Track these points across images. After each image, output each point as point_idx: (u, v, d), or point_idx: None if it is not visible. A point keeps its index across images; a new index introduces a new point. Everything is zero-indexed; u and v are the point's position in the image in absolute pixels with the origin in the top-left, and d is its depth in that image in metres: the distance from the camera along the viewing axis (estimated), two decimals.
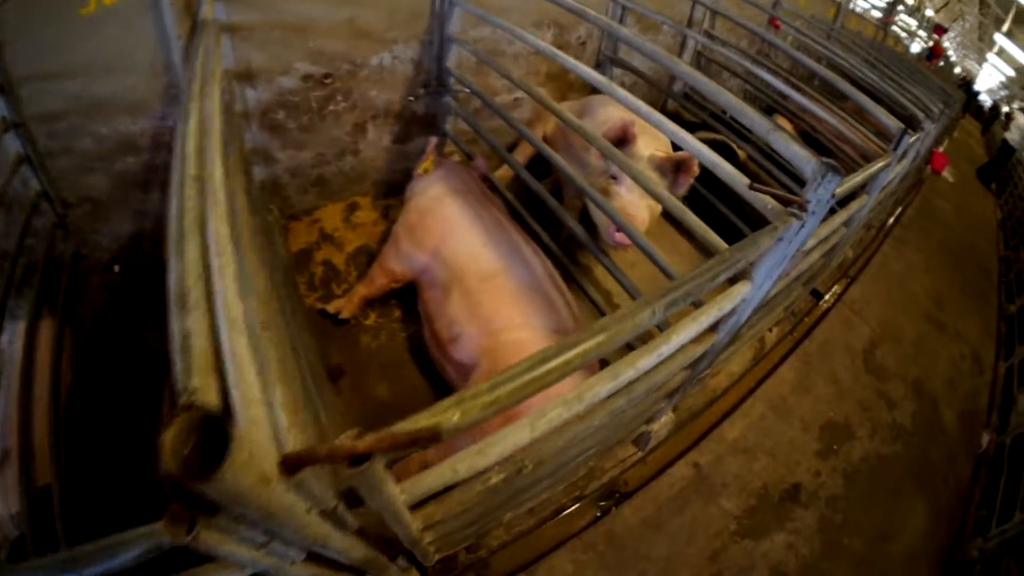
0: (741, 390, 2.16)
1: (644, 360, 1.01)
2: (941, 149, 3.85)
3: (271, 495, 0.46)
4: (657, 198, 1.67)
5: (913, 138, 2.18)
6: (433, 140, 2.34)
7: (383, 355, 1.98)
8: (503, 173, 2.70)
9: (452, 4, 2.21)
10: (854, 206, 1.91)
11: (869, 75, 2.92)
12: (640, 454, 1.86)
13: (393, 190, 2.59)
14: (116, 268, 1.94)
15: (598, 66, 3.05)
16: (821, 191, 1.05)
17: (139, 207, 1.88)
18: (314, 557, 0.69)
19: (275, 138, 2.03)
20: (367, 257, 2.28)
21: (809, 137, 3.40)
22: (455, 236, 1.90)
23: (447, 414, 0.62)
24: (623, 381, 1.00)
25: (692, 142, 1.42)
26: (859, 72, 2.90)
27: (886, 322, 2.85)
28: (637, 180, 1.75)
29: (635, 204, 1.92)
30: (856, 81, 2.88)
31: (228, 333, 0.55)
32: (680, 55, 3.45)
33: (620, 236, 1.83)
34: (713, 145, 2.87)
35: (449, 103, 2.50)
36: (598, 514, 1.73)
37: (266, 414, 0.52)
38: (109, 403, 1.58)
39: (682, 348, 1.21)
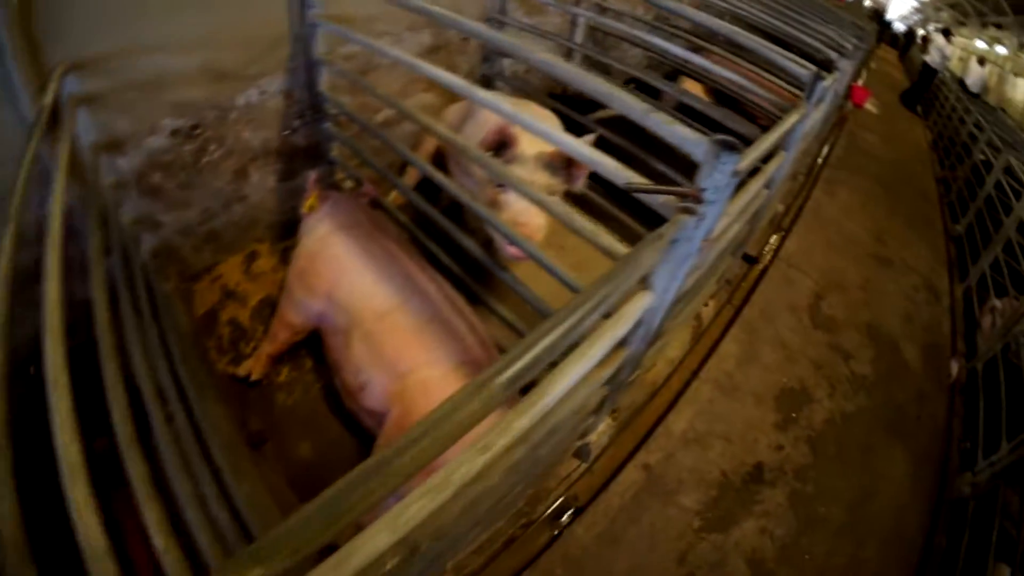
0: (683, 375, 2.03)
1: (521, 421, 0.80)
2: (861, 83, 3.80)
3: None
4: (541, 204, 1.51)
5: (828, 80, 2.08)
6: (312, 175, 2.16)
7: (300, 411, 1.84)
8: (427, 149, 2.55)
9: (313, 25, 2.04)
10: (772, 166, 1.78)
11: (775, 23, 2.84)
12: (585, 466, 1.71)
13: (290, 231, 2.40)
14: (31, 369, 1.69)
15: (485, 60, 2.91)
16: (717, 175, 0.90)
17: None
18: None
19: (157, 201, 1.91)
20: (271, 308, 2.10)
21: (723, 96, 3.31)
22: (346, 276, 1.77)
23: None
24: (498, 452, 0.82)
25: (563, 139, 1.29)
26: (765, 21, 2.82)
27: (828, 270, 2.75)
28: (518, 188, 1.61)
29: (526, 212, 1.76)
30: (766, 31, 2.81)
31: None
32: (572, 33, 3.32)
33: (514, 249, 1.68)
34: (614, 122, 2.75)
35: (329, 129, 2.33)
36: (555, 533, 1.59)
37: None
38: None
39: (585, 379, 1.08)
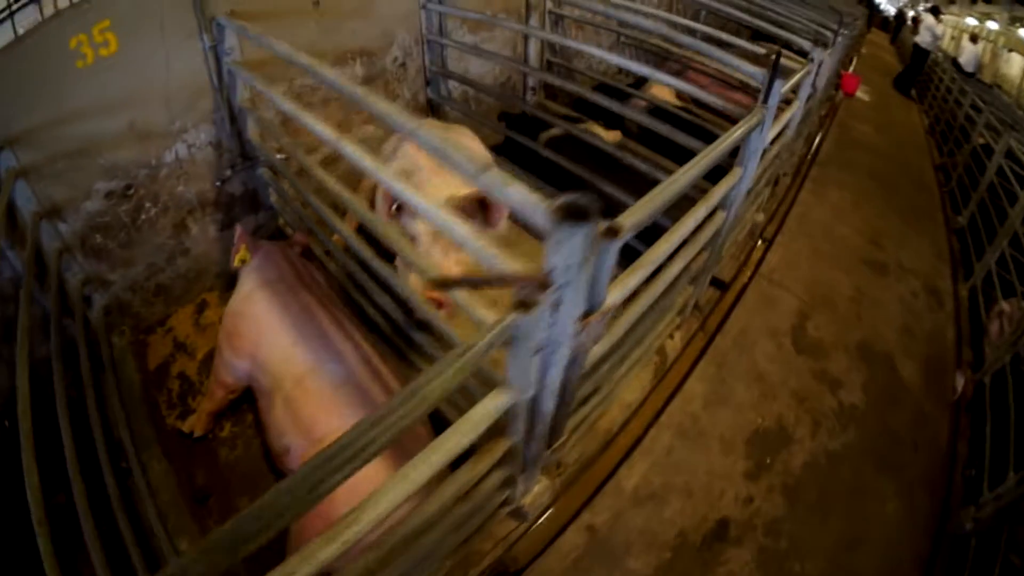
0: (641, 422, 1.85)
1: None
2: (851, 70, 3.55)
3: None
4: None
5: (793, 80, 1.90)
6: (238, 228, 2.06)
7: (241, 467, 1.81)
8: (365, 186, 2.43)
9: (231, 74, 1.97)
10: (723, 186, 1.59)
11: (746, 16, 2.66)
12: (524, 526, 1.55)
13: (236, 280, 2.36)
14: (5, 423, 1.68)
15: (428, 84, 2.77)
16: (567, 252, 0.74)
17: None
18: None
19: (102, 262, 1.96)
20: None
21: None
22: (266, 338, 1.70)
23: None
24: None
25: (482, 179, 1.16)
26: (738, 16, 2.65)
27: (815, 284, 2.53)
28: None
29: (434, 269, 1.61)
30: (743, 25, 2.64)
31: None
32: (526, 49, 3.17)
33: (436, 294, 1.56)
34: (561, 141, 2.57)
35: (263, 175, 2.25)
36: None
37: None
38: None
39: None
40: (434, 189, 1.66)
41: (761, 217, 2.81)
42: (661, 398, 1.95)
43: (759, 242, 2.73)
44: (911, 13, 8.56)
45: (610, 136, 3.11)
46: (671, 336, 2.16)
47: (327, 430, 1.46)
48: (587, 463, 1.72)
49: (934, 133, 4.27)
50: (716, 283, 2.30)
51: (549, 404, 1.02)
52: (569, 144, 2.59)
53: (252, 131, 2.10)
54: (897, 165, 3.73)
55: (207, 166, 2.11)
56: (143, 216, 1.99)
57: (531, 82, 3.41)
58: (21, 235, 1.66)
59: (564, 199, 0.72)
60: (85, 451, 1.44)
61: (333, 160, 2.52)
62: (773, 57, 1.52)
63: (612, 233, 0.80)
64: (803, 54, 2.55)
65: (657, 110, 2.87)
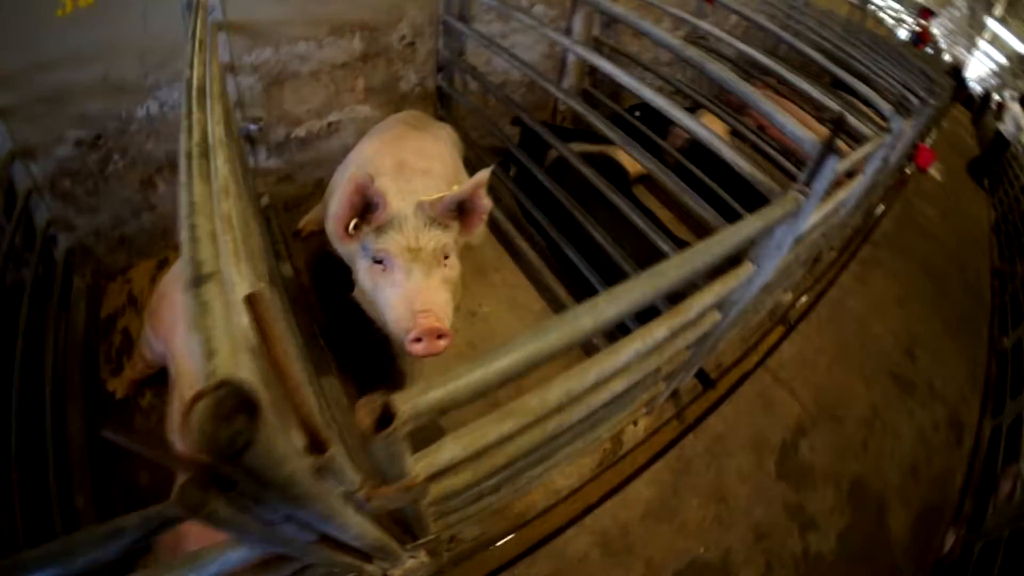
0: (561, 517, 1.59)
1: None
2: (928, 143, 3.12)
3: (297, 476, 0.44)
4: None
5: (845, 160, 1.57)
6: None
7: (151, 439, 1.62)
8: (313, 216, 2.19)
9: (216, 32, 1.79)
10: (710, 294, 1.27)
11: (826, 63, 2.30)
12: None
13: None
14: None
15: (440, 70, 2.45)
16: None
17: None
18: (324, 539, 0.63)
19: (68, 206, 2.00)
20: None
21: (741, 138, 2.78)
22: (180, 327, 1.55)
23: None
24: None
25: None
26: (819, 59, 2.29)
27: (828, 391, 2.20)
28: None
29: (421, 294, 1.37)
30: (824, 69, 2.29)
31: None
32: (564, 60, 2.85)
33: (420, 347, 1.32)
34: (593, 159, 2.28)
35: (239, 143, 2.03)
36: None
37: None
38: None
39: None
40: (399, 199, 1.43)
41: (788, 297, 2.46)
42: (596, 494, 1.67)
43: (778, 326, 2.40)
44: (997, 97, 7.87)
45: (635, 168, 2.78)
46: (634, 422, 1.89)
47: None
48: (486, 544, 1.49)
49: (999, 232, 3.80)
50: (701, 376, 1.99)
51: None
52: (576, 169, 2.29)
53: (231, 95, 1.93)
54: (954, 262, 3.29)
55: (179, 127, 1.93)
56: (111, 167, 1.98)
57: (565, 83, 3.07)
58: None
59: None
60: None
61: (323, 135, 2.28)
62: (830, 126, 1.19)
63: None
64: (881, 117, 2.22)
65: (698, 146, 2.55)
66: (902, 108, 2.39)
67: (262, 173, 2.23)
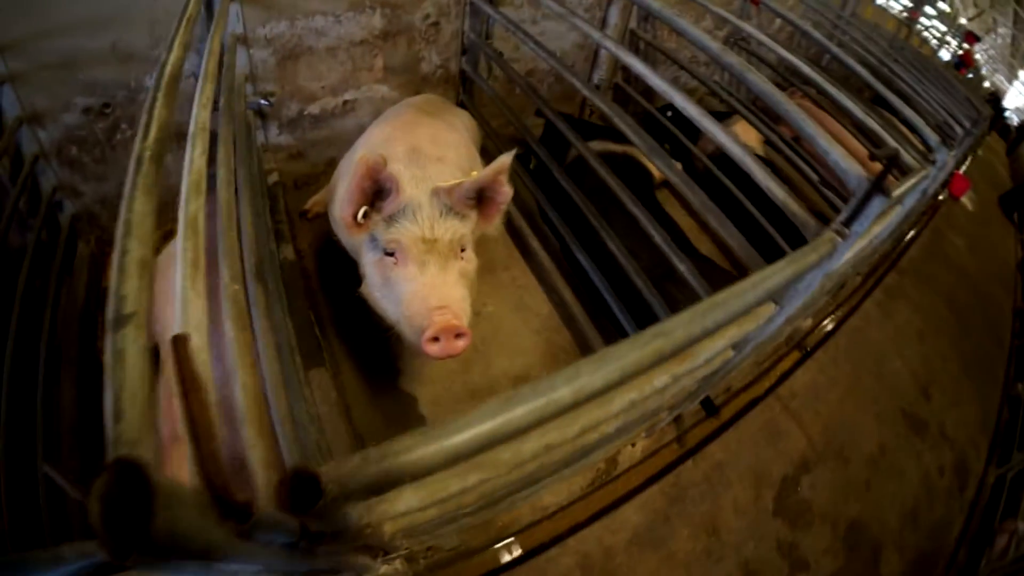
0: (544, 534, 1.54)
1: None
2: (962, 171, 2.97)
3: (215, 544, 0.40)
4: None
5: (908, 184, 1.46)
6: None
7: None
8: (321, 198, 2.12)
9: (228, 2, 1.73)
10: (725, 336, 1.18)
11: (871, 79, 2.18)
12: None
13: None
14: None
15: (464, 53, 2.35)
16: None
17: None
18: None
19: (75, 173, 2.00)
20: None
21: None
22: (169, 309, 1.48)
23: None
24: None
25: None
26: (864, 73, 2.17)
27: (837, 427, 2.12)
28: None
29: (437, 289, 1.28)
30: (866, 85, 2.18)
31: None
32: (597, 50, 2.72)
33: (437, 347, 1.24)
34: (616, 159, 2.17)
35: (248, 120, 1.96)
36: None
37: None
38: None
39: None
40: (413, 185, 1.34)
41: (808, 323, 2.38)
42: (584, 514, 1.61)
43: (794, 351, 2.32)
44: None
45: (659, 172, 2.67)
46: (632, 443, 1.82)
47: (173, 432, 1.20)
48: (465, 554, 1.44)
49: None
50: (706, 403, 1.92)
51: None
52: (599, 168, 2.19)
53: (240, 69, 1.85)
54: (978, 298, 3.17)
55: (187, 98, 1.89)
56: (118, 136, 1.97)
57: (596, 76, 2.95)
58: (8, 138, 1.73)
59: None
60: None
61: (338, 113, 2.20)
62: (884, 163, 1.08)
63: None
64: (924, 144, 2.11)
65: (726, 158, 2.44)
66: (945, 136, 2.28)
67: (272, 149, 2.17)
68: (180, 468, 1.41)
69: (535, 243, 2.26)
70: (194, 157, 1.01)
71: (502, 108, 2.31)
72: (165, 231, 2.21)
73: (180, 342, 0.54)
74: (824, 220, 1.15)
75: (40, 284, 1.80)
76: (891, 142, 2.15)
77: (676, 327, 0.79)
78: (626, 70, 2.98)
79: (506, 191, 1.35)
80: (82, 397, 1.70)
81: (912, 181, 1.58)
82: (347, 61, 2.07)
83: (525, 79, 2.41)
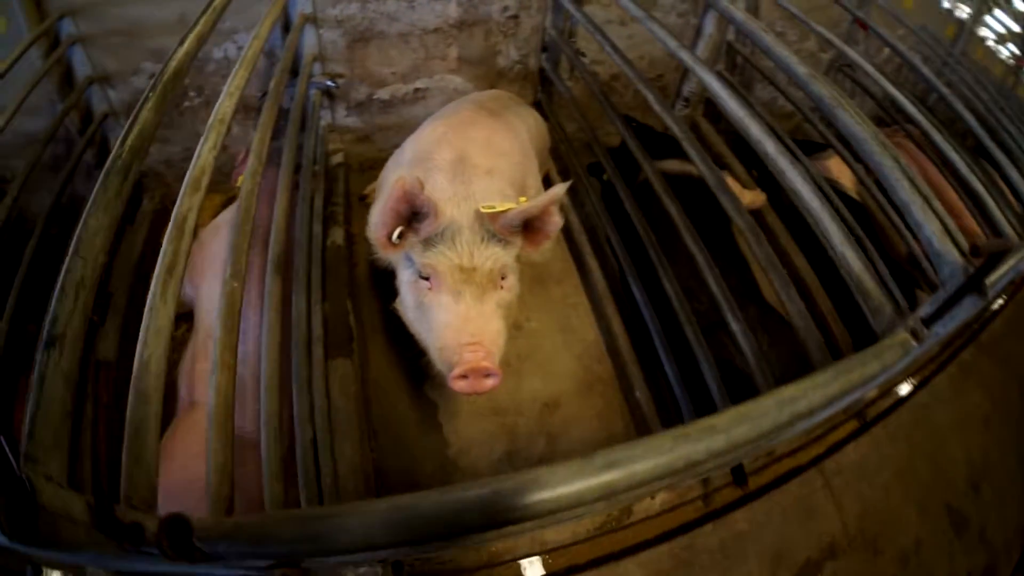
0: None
1: None
2: None
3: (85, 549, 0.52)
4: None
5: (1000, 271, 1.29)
6: (242, 151, 1.82)
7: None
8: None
9: None
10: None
11: (975, 125, 1.98)
12: None
13: None
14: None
15: (545, 50, 2.22)
16: None
17: None
18: None
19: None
20: None
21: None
22: (208, 279, 1.56)
23: None
24: None
25: None
26: (969, 118, 1.97)
27: (877, 513, 1.95)
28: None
29: (471, 323, 1.21)
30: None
31: None
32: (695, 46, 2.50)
33: (464, 384, 1.19)
34: (694, 183, 1.99)
35: (313, 98, 1.94)
36: None
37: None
38: None
39: None
40: (454, 208, 1.26)
41: (872, 393, 2.19)
42: (584, 557, 1.53)
43: (852, 420, 2.14)
44: None
45: (749, 197, 2.46)
46: (651, 495, 1.73)
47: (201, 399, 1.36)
48: (452, 571, 1.39)
49: None
50: (737, 472, 1.80)
51: None
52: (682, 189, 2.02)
53: (311, 47, 1.80)
54: None
55: (255, 71, 1.90)
56: (186, 103, 2.05)
57: (687, 88, 2.77)
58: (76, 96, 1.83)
59: None
60: None
61: (409, 100, 2.13)
62: (983, 255, 0.92)
63: None
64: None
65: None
66: None
67: (339, 130, 2.17)
68: (187, 433, 1.43)
69: (593, 262, 2.13)
70: (203, 151, 0.97)
71: (575, 113, 2.18)
72: (228, 196, 2.26)
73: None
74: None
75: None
76: (1000, 219, 1.93)
77: (713, 435, 0.72)
78: (721, 81, 2.78)
79: (555, 221, 1.26)
80: (123, 344, 1.74)
81: (1011, 261, 1.39)
82: (419, 48, 2.03)
83: (600, 84, 2.27)
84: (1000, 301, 3.01)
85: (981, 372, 2.62)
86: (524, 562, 1.46)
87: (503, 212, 1.21)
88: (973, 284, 0.89)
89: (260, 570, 0.67)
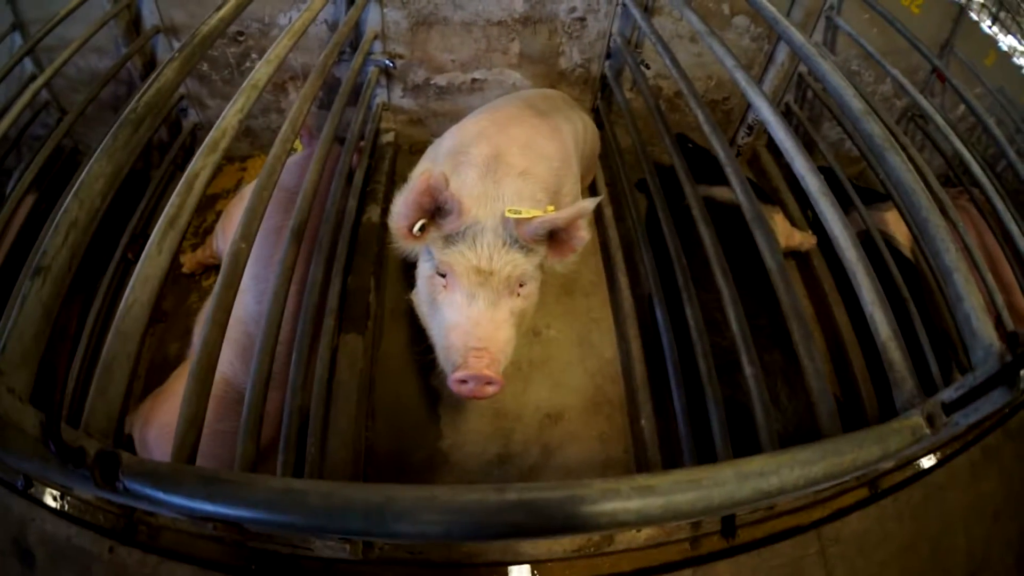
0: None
1: None
2: None
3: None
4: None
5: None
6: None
7: (193, 314, 1.88)
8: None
9: None
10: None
11: None
12: None
13: None
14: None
15: (610, 57, 2.17)
16: None
17: None
18: None
19: (203, 87, 2.15)
20: None
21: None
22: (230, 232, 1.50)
23: None
24: None
25: None
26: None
27: None
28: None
29: (480, 327, 1.19)
30: None
31: None
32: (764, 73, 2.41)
33: (465, 388, 1.18)
34: (735, 215, 1.93)
35: (369, 74, 1.96)
36: None
37: None
38: None
39: None
40: (480, 207, 1.23)
41: (888, 464, 2.09)
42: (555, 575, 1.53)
43: (862, 488, 2.05)
44: None
45: (798, 238, 2.34)
46: (637, 528, 1.69)
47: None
48: (422, 562, 1.38)
49: None
50: (726, 522, 1.74)
51: None
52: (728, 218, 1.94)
53: (374, 25, 1.81)
54: None
55: (317, 41, 2.03)
56: (247, 64, 2.09)
57: (752, 115, 2.68)
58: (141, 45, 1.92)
59: None
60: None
61: (465, 89, 2.11)
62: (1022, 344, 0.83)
63: None
64: None
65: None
66: None
67: (394, 110, 2.20)
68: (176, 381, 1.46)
69: (624, 279, 2.06)
70: (228, 114, 0.98)
71: (628, 124, 2.13)
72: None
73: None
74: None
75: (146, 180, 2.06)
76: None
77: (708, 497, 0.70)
78: (787, 116, 2.68)
79: (582, 236, 1.22)
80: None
81: None
82: (481, 39, 2.01)
83: (663, 99, 2.21)
84: None
85: (1003, 460, 2.47)
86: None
87: (528, 219, 1.18)
88: (1006, 375, 0.81)
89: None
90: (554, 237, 1.23)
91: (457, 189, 1.16)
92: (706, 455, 1.62)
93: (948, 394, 0.87)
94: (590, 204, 1.17)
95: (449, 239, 1.20)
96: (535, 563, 1.54)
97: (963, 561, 2.11)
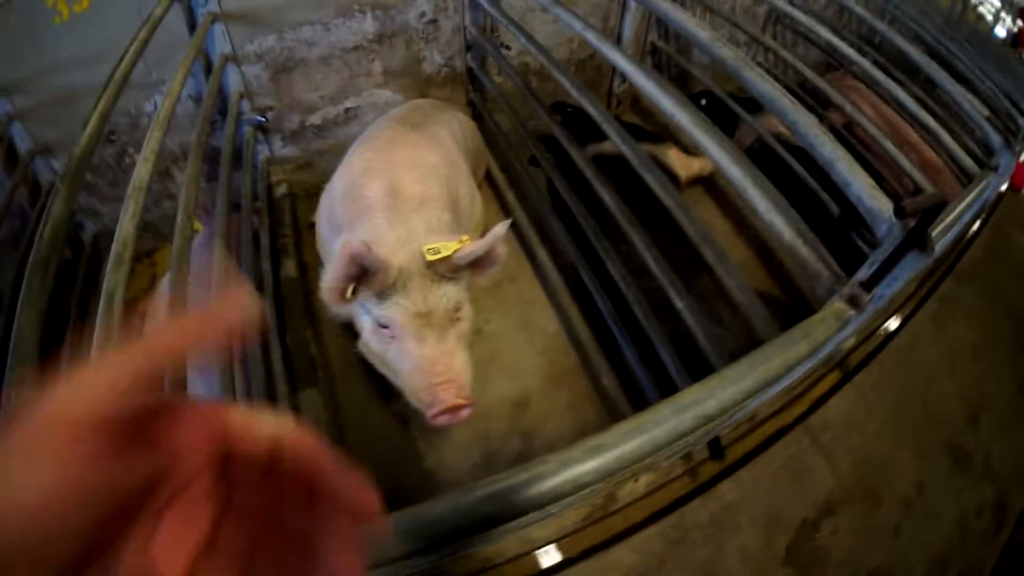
0: (521, 570, 1.47)
1: None
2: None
3: None
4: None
5: (959, 207, 1.26)
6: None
7: None
8: None
9: (212, 22, 1.72)
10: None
11: (924, 62, 1.97)
12: None
13: None
14: None
15: (469, 49, 2.21)
16: None
17: None
18: None
19: (93, 196, 2.14)
20: None
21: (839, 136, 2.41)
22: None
23: None
24: None
25: None
26: (916, 56, 1.95)
27: (872, 462, 1.92)
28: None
29: (437, 363, 1.24)
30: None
31: None
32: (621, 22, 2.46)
33: (444, 419, 1.24)
34: (621, 161, 1.97)
35: (245, 134, 1.94)
36: None
37: None
38: None
39: None
40: (403, 255, 1.25)
41: (851, 342, 2.16)
42: (574, 549, 1.50)
43: (834, 371, 2.10)
44: None
45: (698, 165, 2.43)
46: (635, 478, 1.71)
47: None
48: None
49: None
50: (713, 446, 1.77)
51: None
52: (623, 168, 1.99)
53: (236, 85, 1.82)
54: None
55: (188, 119, 2.01)
56: (126, 160, 2.07)
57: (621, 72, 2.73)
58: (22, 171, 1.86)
59: None
60: None
61: (339, 123, 2.13)
62: (909, 215, 0.85)
63: None
64: (981, 144, 1.88)
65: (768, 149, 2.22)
66: (1008, 132, 2.00)
67: (279, 161, 2.18)
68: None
69: (544, 255, 2.12)
70: (123, 224, 0.98)
71: (505, 108, 2.17)
72: None
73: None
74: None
75: (68, 296, 1.99)
76: (957, 151, 1.89)
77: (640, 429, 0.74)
78: (656, 54, 2.75)
79: (499, 254, 1.28)
80: None
81: (968, 197, 1.35)
82: (343, 68, 2.02)
83: (533, 73, 2.25)
84: (976, 225, 2.97)
85: (964, 303, 2.57)
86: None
87: (447, 258, 1.22)
88: (915, 238, 0.84)
89: None
90: (475, 260, 1.27)
91: (373, 243, 1.18)
92: (670, 391, 1.65)
93: (863, 272, 0.91)
94: (502, 229, 1.22)
95: (381, 294, 1.23)
96: (548, 544, 1.56)
97: (959, 405, 2.18)
